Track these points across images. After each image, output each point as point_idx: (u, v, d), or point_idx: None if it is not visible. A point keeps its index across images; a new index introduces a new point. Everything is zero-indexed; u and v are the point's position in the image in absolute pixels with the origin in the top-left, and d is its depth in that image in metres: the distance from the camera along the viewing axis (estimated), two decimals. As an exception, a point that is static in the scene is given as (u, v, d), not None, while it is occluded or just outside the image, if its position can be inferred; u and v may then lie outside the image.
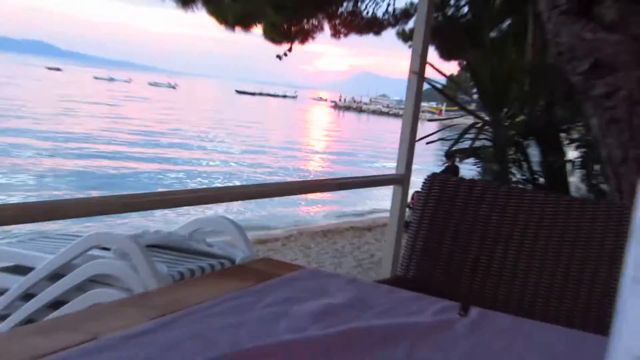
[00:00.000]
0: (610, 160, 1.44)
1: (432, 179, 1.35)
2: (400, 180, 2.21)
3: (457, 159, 2.81)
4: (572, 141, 2.23)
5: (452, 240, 1.30)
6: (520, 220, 1.27)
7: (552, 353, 0.76)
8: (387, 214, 2.34)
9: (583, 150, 2.17)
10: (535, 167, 2.26)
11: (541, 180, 2.22)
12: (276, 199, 7.96)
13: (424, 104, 2.52)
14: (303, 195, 9.22)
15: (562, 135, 2.25)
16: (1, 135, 16.47)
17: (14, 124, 19.42)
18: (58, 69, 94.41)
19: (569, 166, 2.21)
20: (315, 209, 10.39)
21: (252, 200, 8.03)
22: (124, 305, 0.83)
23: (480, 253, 1.27)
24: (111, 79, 78.56)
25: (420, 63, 2.03)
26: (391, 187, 2.24)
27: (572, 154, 2.25)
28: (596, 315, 1.14)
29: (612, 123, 1.39)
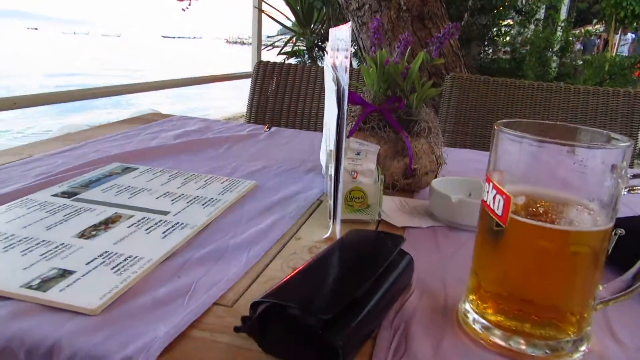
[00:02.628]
0: (365, 48, 2.21)
1: (259, 63, 1.92)
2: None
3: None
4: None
5: (274, 98, 1.89)
6: (311, 82, 1.90)
7: (312, 145, 1.33)
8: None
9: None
10: None
11: None
12: (193, 98, 12.70)
13: (279, 37, 3.79)
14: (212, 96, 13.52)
15: None
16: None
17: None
18: (36, 29, 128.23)
19: None
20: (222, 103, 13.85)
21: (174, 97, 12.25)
22: (56, 139, 1.17)
23: (288, 101, 1.90)
24: (74, 33, 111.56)
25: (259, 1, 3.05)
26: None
27: None
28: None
29: (362, 25, 2.12)
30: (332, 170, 0.67)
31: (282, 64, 1.93)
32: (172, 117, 1.48)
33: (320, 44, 3.28)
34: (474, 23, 3.07)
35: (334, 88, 0.63)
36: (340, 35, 0.63)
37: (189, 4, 8.90)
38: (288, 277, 0.47)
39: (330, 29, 0.79)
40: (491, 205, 0.46)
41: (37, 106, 2.08)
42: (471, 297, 0.50)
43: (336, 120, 0.60)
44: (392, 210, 0.81)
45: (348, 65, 0.56)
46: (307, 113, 1.87)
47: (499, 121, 0.47)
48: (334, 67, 0.73)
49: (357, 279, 0.48)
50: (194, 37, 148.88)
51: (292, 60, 3.27)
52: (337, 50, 0.69)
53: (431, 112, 0.94)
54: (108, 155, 1.01)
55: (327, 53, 0.93)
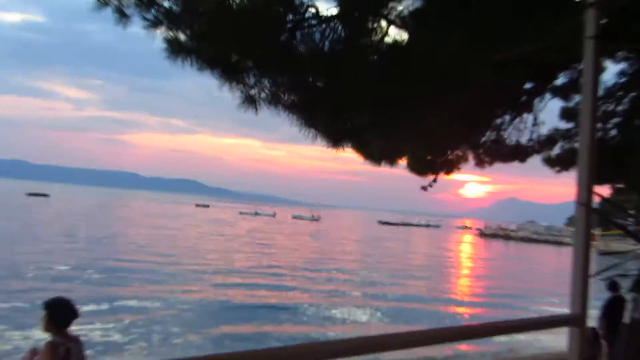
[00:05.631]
0: None
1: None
2: (576, 320, 1.92)
3: (623, 290, 2.74)
4: None
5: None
6: None
7: None
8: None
9: None
10: None
11: None
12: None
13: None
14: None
15: None
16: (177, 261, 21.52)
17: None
18: (206, 206, 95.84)
19: None
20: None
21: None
22: None
23: None
24: (256, 214, 76.27)
25: (587, 194, 1.90)
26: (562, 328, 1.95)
27: None
28: None
29: None
30: None
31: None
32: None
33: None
34: None
35: None
36: None
37: (435, 180, 6.15)
38: None
39: None
40: None
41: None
42: None
43: None
44: None
45: None
46: None
47: None
48: None
49: None
50: (428, 225, 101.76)
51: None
52: None
53: None
54: None
55: None
